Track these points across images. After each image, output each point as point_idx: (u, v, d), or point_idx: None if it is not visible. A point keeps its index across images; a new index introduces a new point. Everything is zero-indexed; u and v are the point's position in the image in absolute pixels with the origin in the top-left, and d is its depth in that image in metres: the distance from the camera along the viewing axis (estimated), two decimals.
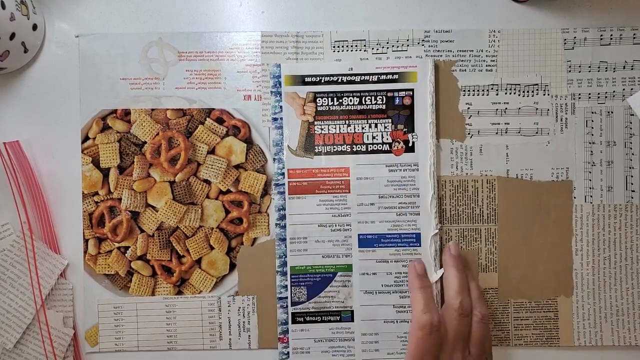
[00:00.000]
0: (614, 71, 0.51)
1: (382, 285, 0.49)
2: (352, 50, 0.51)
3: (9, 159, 0.50)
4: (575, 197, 0.51)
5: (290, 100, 0.49)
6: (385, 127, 0.49)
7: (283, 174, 0.49)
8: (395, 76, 0.49)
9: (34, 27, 0.49)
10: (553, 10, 0.51)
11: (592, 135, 0.51)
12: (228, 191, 0.51)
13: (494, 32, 0.51)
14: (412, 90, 0.49)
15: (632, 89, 0.51)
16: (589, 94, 0.51)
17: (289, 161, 0.49)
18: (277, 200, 0.49)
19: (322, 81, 0.49)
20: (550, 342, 0.51)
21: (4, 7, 0.44)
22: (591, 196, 0.51)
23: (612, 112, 0.51)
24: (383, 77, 0.49)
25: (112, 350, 0.51)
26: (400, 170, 0.49)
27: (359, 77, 0.49)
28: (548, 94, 0.51)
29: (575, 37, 0.51)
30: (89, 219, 0.51)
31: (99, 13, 0.51)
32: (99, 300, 0.51)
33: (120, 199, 0.51)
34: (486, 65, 0.51)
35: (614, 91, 0.51)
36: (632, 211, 0.51)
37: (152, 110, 0.51)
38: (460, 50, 0.51)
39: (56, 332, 0.50)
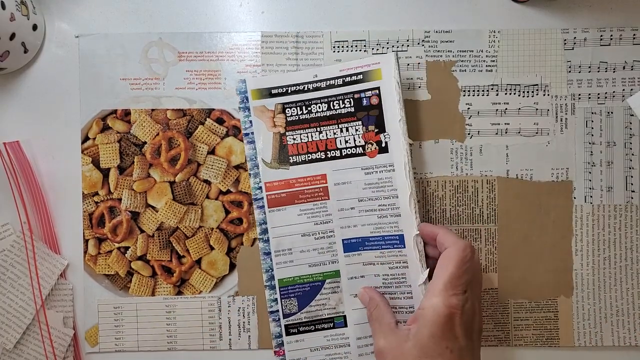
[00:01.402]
0: (614, 71, 0.51)
1: None
2: (352, 50, 0.51)
3: (9, 159, 0.50)
4: (575, 198, 0.51)
5: (259, 114, 0.48)
6: (356, 130, 0.48)
7: (260, 188, 0.48)
8: (360, 76, 0.48)
9: (34, 27, 0.49)
10: (553, 10, 0.51)
11: (592, 135, 0.51)
12: (228, 191, 0.51)
13: (494, 32, 0.51)
14: (378, 88, 0.47)
15: (632, 89, 0.51)
16: (589, 94, 0.51)
17: (264, 174, 0.48)
18: (257, 215, 0.48)
19: (289, 91, 0.48)
20: (550, 343, 0.51)
21: (4, 8, 0.44)
22: (591, 196, 0.51)
23: (612, 113, 0.51)
24: (348, 79, 0.48)
25: (112, 351, 0.51)
26: (377, 172, 0.47)
27: (324, 82, 0.48)
28: (548, 94, 0.51)
29: (575, 38, 0.51)
30: (89, 219, 0.51)
31: (99, 13, 0.51)
32: (99, 301, 0.51)
33: (120, 199, 0.51)
34: (486, 66, 0.51)
35: (613, 91, 0.51)
36: (632, 211, 0.51)
37: (152, 110, 0.51)
38: (460, 51, 0.51)
39: (56, 332, 0.50)
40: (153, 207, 0.51)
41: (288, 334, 0.48)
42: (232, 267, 0.51)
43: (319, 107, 0.48)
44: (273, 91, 0.48)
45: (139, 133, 0.51)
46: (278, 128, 0.48)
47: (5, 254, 0.50)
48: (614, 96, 0.51)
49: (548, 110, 0.51)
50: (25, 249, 0.50)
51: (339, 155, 0.48)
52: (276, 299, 0.48)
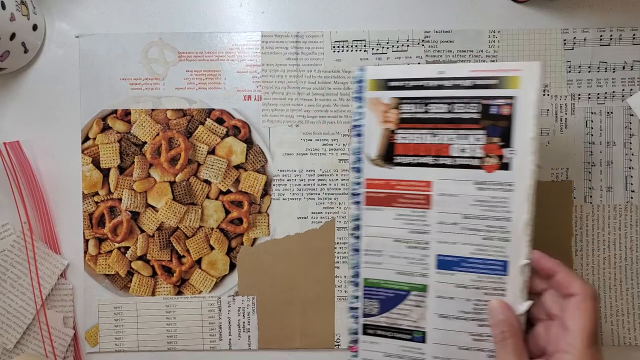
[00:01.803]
0: (614, 71, 0.51)
1: (459, 312, 0.44)
2: (352, 50, 0.51)
3: (9, 159, 0.50)
4: (575, 198, 0.51)
5: (372, 107, 0.44)
6: (477, 140, 0.42)
7: (360, 183, 0.45)
8: (495, 81, 0.42)
9: (34, 27, 0.49)
10: (553, 10, 0.51)
11: (592, 135, 0.51)
12: (228, 191, 0.51)
13: (494, 32, 0.51)
14: (513, 98, 0.42)
15: (631, 89, 0.51)
16: (589, 94, 0.51)
17: (367, 170, 0.44)
18: (352, 210, 0.45)
19: (407, 86, 0.43)
20: None
21: (4, 8, 0.44)
22: (591, 196, 0.51)
23: (612, 113, 0.51)
24: (479, 82, 0.42)
25: (112, 351, 0.51)
26: (491, 189, 0.42)
27: (450, 81, 0.43)
28: (548, 94, 0.51)
29: (574, 38, 0.51)
30: (89, 219, 0.51)
31: (99, 13, 0.51)
32: (99, 301, 0.51)
33: (120, 199, 0.51)
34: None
35: (613, 91, 0.51)
36: (632, 211, 0.51)
37: (153, 110, 0.51)
38: (460, 50, 0.51)
39: (56, 332, 0.50)
40: (153, 207, 0.51)
41: (365, 333, 0.46)
42: (232, 267, 0.51)
43: (438, 108, 0.43)
44: (390, 83, 0.44)
45: (139, 133, 0.51)
46: (389, 124, 0.44)
47: (5, 254, 0.50)
48: (613, 96, 0.51)
49: (548, 110, 0.51)
50: (25, 249, 0.50)
51: (450, 163, 0.43)
52: (357, 297, 0.46)
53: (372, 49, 0.51)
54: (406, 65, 0.47)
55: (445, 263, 0.44)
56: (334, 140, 0.51)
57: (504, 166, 0.42)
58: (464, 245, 0.43)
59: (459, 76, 0.42)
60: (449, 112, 0.43)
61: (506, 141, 0.42)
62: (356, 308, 0.46)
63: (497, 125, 0.42)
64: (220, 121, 0.51)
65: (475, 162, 0.42)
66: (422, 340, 0.45)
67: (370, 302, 0.46)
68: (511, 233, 0.42)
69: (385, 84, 0.44)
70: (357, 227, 0.45)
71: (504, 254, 0.42)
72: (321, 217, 0.51)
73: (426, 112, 0.43)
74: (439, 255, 0.44)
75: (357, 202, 0.45)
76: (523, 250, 0.41)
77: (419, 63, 0.50)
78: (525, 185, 0.41)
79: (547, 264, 0.40)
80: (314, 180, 0.51)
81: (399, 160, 0.44)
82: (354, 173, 0.45)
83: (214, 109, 0.51)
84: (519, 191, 0.42)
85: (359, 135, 0.45)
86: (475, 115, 0.42)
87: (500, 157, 0.42)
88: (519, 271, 0.42)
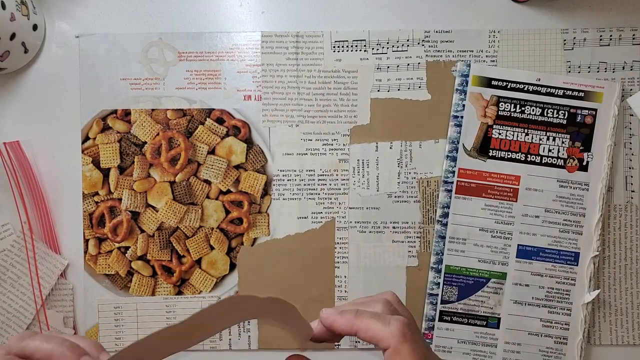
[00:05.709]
0: (614, 71, 0.51)
1: (532, 298, 0.49)
2: (352, 50, 0.51)
3: (9, 159, 0.50)
4: None
5: (473, 101, 0.49)
6: (562, 142, 0.49)
7: (453, 172, 0.49)
8: (581, 94, 0.49)
9: (34, 27, 0.49)
10: (553, 10, 0.51)
11: None
12: (228, 191, 0.51)
13: (494, 32, 0.51)
14: (595, 110, 0.49)
15: (631, 89, 0.51)
16: None
17: (461, 160, 0.49)
18: (442, 198, 0.49)
19: (508, 87, 0.49)
20: None
21: (4, 8, 0.44)
22: None
23: None
24: (569, 92, 0.49)
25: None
26: (571, 187, 0.49)
27: (545, 88, 0.49)
28: None
29: (574, 38, 0.51)
30: (89, 219, 0.51)
31: (99, 13, 0.51)
32: (99, 300, 0.51)
33: (120, 199, 0.51)
34: (486, 66, 0.51)
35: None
36: (632, 211, 0.51)
37: (153, 110, 0.51)
38: (460, 50, 0.51)
39: (56, 332, 0.50)
40: (153, 207, 0.51)
41: (441, 320, 0.49)
42: (232, 267, 0.51)
43: (532, 110, 0.49)
44: (493, 82, 0.49)
45: (139, 133, 0.51)
46: (487, 119, 0.49)
47: (5, 254, 0.50)
48: None
49: None
50: (25, 249, 0.50)
51: (538, 161, 0.49)
52: (438, 283, 0.49)
53: (372, 49, 0.51)
54: (508, 68, 0.50)
55: (525, 252, 0.49)
56: (334, 140, 0.51)
57: (583, 168, 0.49)
58: (542, 237, 0.49)
59: (553, 85, 0.49)
60: (542, 115, 0.49)
61: (586, 146, 0.49)
62: (436, 294, 0.49)
63: (581, 131, 0.49)
64: (220, 121, 0.51)
65: (560, 162, 0.49)
66: (497, 326, 0.49)
67: (450, 289, 0.49)
68: (584, 227, 0.49)
69: (488, 82, 0.49)
70: (445, 215, 0.49)
71: (576, 246, 0.49)
72: (321, 217, 0.51)
73: (522, 112, 0.49)
74: (520, 245, 0.49)
75: (449, 190, 0.49)
76: (593, 244, 0.48)
77: (426, 62, 0.51)
78: (600, 186, 0.48)
79: (341, 326, 0.34)
80: (314, 180, 0.51)
81: (492, 154, 0.49)
82: (449, 162, 0.49)
83: (214, 109, 0.51)
84: (594, 191, 0.48)
85: (458, 125, 0.49)
86: (562, 121, 0.49)
87: (581, 160, 0.49)
88: (589, 262, 0.48)
